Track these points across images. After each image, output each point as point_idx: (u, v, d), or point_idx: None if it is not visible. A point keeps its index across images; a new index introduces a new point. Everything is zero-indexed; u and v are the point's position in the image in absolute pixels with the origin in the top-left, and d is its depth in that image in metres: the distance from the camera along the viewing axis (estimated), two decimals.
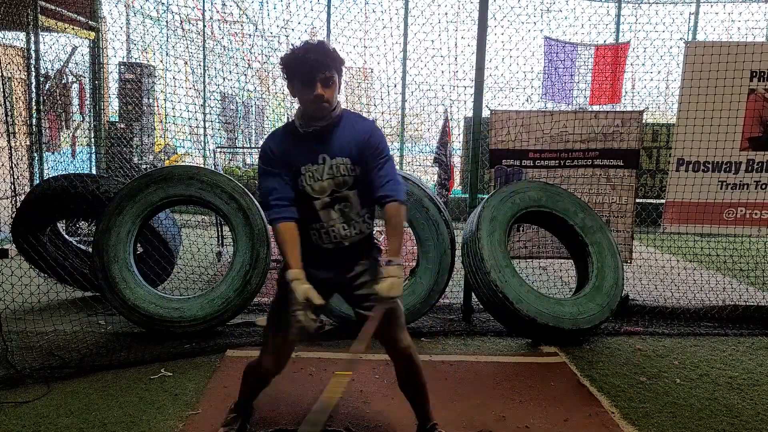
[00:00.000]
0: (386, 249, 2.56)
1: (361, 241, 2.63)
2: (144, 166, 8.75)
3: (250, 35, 11.64)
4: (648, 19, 10.31)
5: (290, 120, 2.61)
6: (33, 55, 6.87)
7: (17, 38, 7.72)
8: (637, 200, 5.40)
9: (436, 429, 2.81)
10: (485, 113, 4.97)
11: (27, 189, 6.14)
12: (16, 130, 7.34)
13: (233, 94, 11.59)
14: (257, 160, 2.62)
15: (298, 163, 2.52)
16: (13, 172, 5.03)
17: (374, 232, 2.78)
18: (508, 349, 4.28)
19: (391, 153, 2.59)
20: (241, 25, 12.30)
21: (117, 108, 9.23)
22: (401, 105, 10.32)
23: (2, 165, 5.36)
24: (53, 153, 7.51)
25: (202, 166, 7.67)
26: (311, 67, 2.38)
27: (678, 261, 6.24)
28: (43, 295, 4.63)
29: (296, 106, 2.57)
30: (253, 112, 13.12)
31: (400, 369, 2.72)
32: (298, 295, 2.39)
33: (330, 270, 2.62)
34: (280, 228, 2.50)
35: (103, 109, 8.41)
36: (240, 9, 11.99)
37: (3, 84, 5.58)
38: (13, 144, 6.17)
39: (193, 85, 10.43)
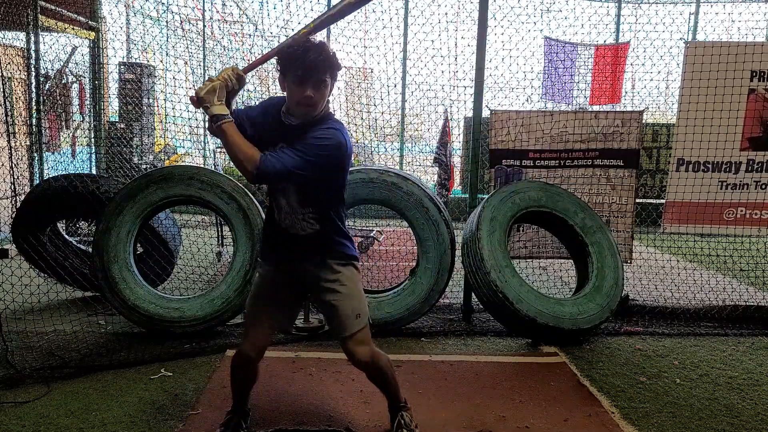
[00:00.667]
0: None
1: (311, 238, 2.62)
2: (144, 166, 8.75)
3: (250, 35, 11.64)
4: (648, 19, 10.31)
5: (285, 99, 2.56)
6: (33, 55, 6.87)
7: (17, 38, 7.72)
8: (637, 200, 5.40)
9: (401, 411, 2.90)
10: (485, 113, 4.97)
11: (27, 189, 6.15)
12: (16, 130, 7.34)
13: None
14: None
15: (266, 138, 2.52)
16: (13, 172, 5.03)
17: (363, 228, 2.79)
18: (508, 349, 4.28)
19: (307, 154, 2.41)
20: (241, 25, 12.29)
21: (117, 108, 9.23)
22: (401, 105, 10.33)
23: (2, 165, 5.36)
24: (53, 153, 7.51)
25: (202, 166, 7.67)
26: (307, 68, 2.37)
27: (678, 261, 6.24)
28: (43, 295, 4.63)
29: None
30: None
31: (366, 375, 2.84)
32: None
33: (289, 252, 2.67)
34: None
35: (103, 109, 8.42)
36: (240, 9, 11.99)
37: (3, 84, 5.58)
38: (13, 144, 6.17)
39: (193, 85, 10.42)
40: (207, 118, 2.40)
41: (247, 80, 2.48)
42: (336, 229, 2.66)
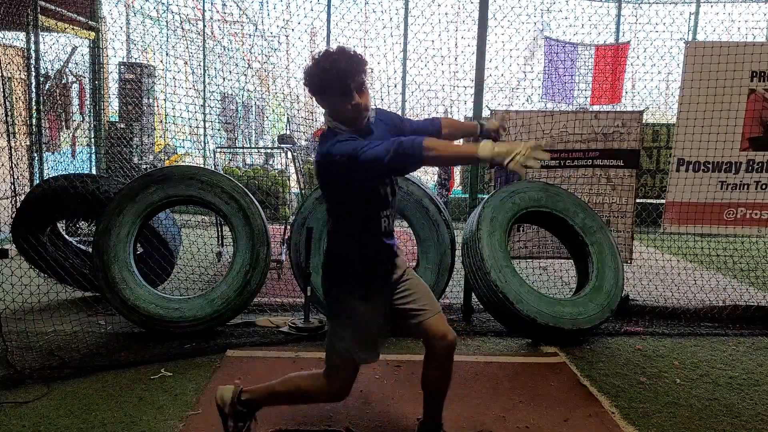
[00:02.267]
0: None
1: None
2: (144, 166, 8.74)
3: (250, 35, 11.64)
4: (648, 19, 10.30)
5: (329, 131, 2.46)
6: (33, 55, 6.88)
7: (17, 38, 7.72)
8: (637, 200, 5.40)
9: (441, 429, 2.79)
10: (485, 113, 4.97)
11: (27, 189, 6.15)
12: (16, 130, 7.34)
13: (233, 94, 11.59)
14: (339, 155, 2.31)
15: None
16: (13, 172, 5.04)
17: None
18: (508, 349, 4.28)
19: None
20: (241, 25, 12.30)
21: (117, 108, 9.23)
22: (401, 105, 10.32)
23: (2, 165, 5.36)
24: (53, 153, 7.52)
25: (202, 166, 7.67)
26: (343, 77, 2.31)
27: (678, 261, 6.24)
28: (43, 296, 4.63)
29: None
30: (254, 113, 13.13)
31: (435, 364, 2.62)
32: (521, 147, 2.09)
33: (394, 258, 2.62)
34: (428, 140, 2.19)
35: (103, 109, 8.42)
36: (240, 9, 11.99)
37: (3, 84, 5.58)
38: (13, 144, 6.17)
39: (193, 85, 10.43)
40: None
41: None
42: None
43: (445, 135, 2.80)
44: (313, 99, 2.52)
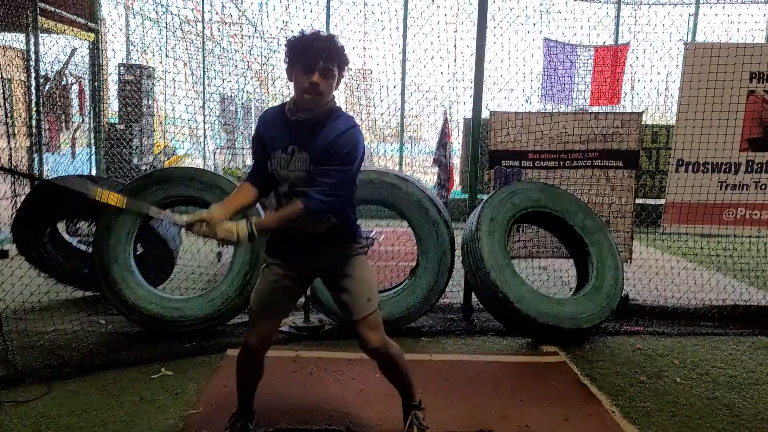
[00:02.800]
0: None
1: (327, 231, 2.62)
2: (144, 167, 8.75)
3: (249, 37, 11.66)
4: (647, 20, 10.33)
5: (287, 102, 2.59)
6: (33, 56, 6.88)
7: (17, 40, 7.73)
8: (637, 201, 5.40)
9: (414, 411, 2.86)
10: (485, 114, 4.98)
11: (27, 189, 6.15)
12: (16, 132, 7.33)
13: (233, 95, 11.60)
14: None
15: (271, 146, 2.56)
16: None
17: (362, 229, 2.80)
18: (508, 349, 4.28)
19: (353, 169, 2.52)
20: (241, 27, 12.31)
21: (117, 109, 9.23)
22: (401, 106, 10.34)
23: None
24: (53, 154, 7.52)
25: (201, 167, 7.68)
26: (314, 54, 2.37)
27: (678, 261, 6.25)
28: (44, 295, 4.63)
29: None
30: (253, 114, 13.14)
31: (378, 365, 2.79)
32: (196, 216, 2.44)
33: (306, 255, 2.66)
34: (239, 185, 2.68)
35: (103, 111, 8.42)
36: (239, 10, 12.01)
37: (3, 85, 5.58)
38: (13, 145, 6.17)
39: (193, 87, 10.44)
40: (247, 238, 2.46)
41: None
42: (349, 219, 2.70)
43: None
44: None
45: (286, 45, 2.48)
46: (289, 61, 2.47)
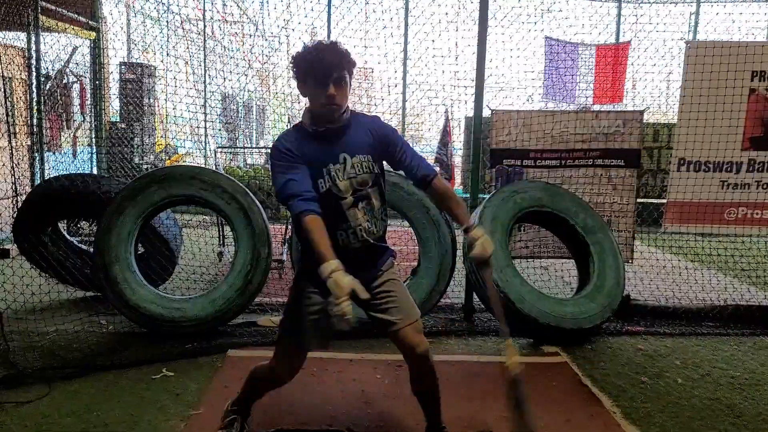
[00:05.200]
0: (462, 218, 2.59)
1: (381, 238, 2.62)
2: (145, 166, 8.75)
3: (250, 35, 11.66)
4: (648, 18, 10.31)
5: (298, 123, 2.56)
6: (34, 55, 6.88)
7: (18, 38, 7.73)
8: (639, 200, 5.39)
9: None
10: (486, 113, 4.97)
11: (28, 189, 6.15)
12: (17, 131, 7.33)
13: (234, 94, 11.60)
14: (270, 159, 2.53)
15: (319, 162, 2.45)
16: (14, 172, 5.05)
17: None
18: None
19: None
20: (242, 26, 12.31)
21: (118, 108, 9.23)
22: (402, 105, 10.33)
23: (3, 165, 5.37)
24: (54, 153, 7.52)
25: (203, 166, 7.68)
26: (325, 68, 2.36)
27: (679, 261, 6.24)
28: (45, 295, 4.63)
29: (297, 105, 2.55)
30: (254, 112, 13.14)
31: (415, 372, 2.66)
32: (344, 285, 2.18)
33: (357, 270, 2.38)
34: (309, 220, 2.32)
35: (104, 109, 8.41)
36: (240, 9, 12.01)
37: (4, 84, 5.58)
38: (14, 144, 6.17)
39: (194, 86, 10.43)
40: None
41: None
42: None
43: (431, 195, 2.65)
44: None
45: (292, 62, 2.45)
46: (300, 78, 2.44)
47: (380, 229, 2.60)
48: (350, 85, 2.48)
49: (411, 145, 2.73)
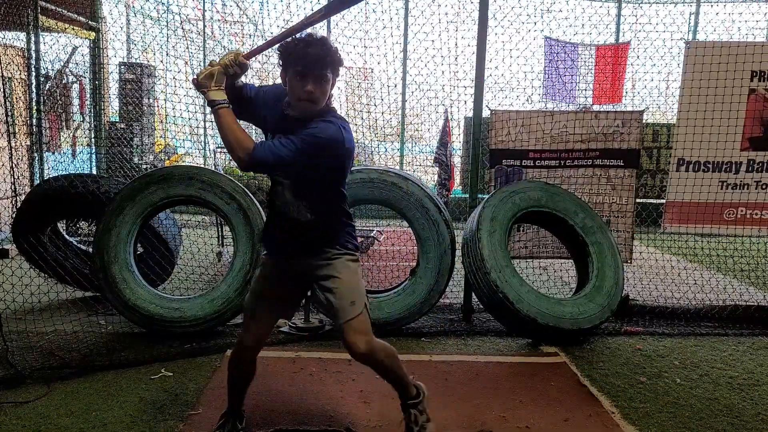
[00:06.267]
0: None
1: (310, 225, 2.58)
2: (144, 167, 8.75)
3: (250, 35, 11.64)
4: (648, 19, 10.31)
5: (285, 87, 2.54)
6: (33, 55, 6.88)
7: (17, 38, 7.72)
8: (638, 200, 5.40)
9: (411, 410, 2.80)
10: (485, 113, 4.97)
11: (27, 189, 6.15)
12: (17, 131, 7.34)
13: None
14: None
15: (270, 125, 2.57)
16: (13, 172, 5.04)
17: (364, 230, 2.78)
18: (508, 349, 4.28)
19: (297, 146, 2.38)
20: (242, 26, 12.30)
21: (117, 108, 9.23)
22: (401, 105, 10.33)
23: (2, 165, 5.37)
24: (53, 153, 7.52)
25: (202, 166, 7.67)
26: (309, 62, 2.35)
27: (678, 261, 6.24)
28: (44, 295, 4.63)
29: None
30: None
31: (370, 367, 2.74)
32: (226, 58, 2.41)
33: (295, 253, 2.64)
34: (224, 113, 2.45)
35: (104, 110, 8.42)
36: (240, 9, 11.99)
37: (3, 84, 5.58)
38: (13, 144, 6.17)
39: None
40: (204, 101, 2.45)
41: (249, 65, 2.49)
42: (334, 221, 2.64)
43: None
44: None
45: (278, 49, 2.46)
46: (283, 65, 2.45)
47: (297, 213, 2.57)
48: (333, 83, 2.47)
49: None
